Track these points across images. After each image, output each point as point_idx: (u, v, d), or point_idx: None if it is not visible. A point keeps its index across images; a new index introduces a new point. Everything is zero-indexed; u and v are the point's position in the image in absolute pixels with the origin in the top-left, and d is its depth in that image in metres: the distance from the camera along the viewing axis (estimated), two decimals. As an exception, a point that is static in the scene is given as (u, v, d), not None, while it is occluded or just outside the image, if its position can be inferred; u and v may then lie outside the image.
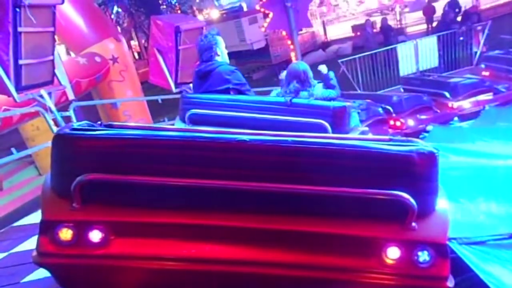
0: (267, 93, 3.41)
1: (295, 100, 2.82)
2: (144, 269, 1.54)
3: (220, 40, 3.13)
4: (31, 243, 1.49)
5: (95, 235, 1.47)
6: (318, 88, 2.92)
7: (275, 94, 3.12)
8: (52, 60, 4.43)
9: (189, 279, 1.59)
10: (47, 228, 1.48)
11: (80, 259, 1.49)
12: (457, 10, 12.22)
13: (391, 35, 11.82)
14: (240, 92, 3.03)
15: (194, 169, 1.47)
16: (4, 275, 2.90)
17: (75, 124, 1.64)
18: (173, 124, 3.50)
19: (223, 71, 3.01)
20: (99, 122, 1.73)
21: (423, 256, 1.42)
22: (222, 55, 3.12)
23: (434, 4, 14.39)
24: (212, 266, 1.50)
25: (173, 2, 21.82)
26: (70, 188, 1.43)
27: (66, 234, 1.46)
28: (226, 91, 2.99)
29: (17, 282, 2.77)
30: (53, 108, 4.66)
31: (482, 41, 10.11)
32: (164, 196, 1.50)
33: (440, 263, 1.43)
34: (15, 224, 3.91)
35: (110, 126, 1.74)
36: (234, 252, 1.48)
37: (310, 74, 2.94)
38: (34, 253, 1.50)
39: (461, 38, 10.21)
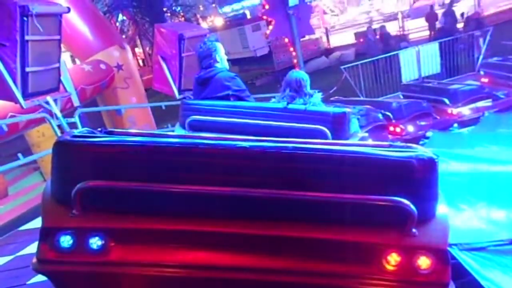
0: (268, 99, 3.43)
1: (294, 106, 2.81)
2: (143, 276, 1.53)
3: (219, 46, 3.13)
4: (36, 247, 1.51)
5: (95, 242, 1.47)
6: (317, 98, 2.91)
7: (273, 101, 3.12)
8: (58, 68, 4.51)
9: (189, 286, 1.58)
10: (47, 235, 1.47)
11: (80, 266, 1.48)
12: (460, 17, 12.33)
13: (390, 43, 11.91)
14: (240, 99, 3.02)
15: (194, 175, 1.46)
16: (10, 277, 2.96)
17: (76, 131, 1.63)
18: (173, 131, 3.52)
19: (223, 77, 3.02)
20: (99, 129, 1.73)
21: (424, 262, 1.41)
22: (221, 62, 3.13)
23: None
24: (212, 273, 1.49)
25: (177, 10, 22.01)
26: (70, 195, 1.42)
27: (66, 241, 1.46)
28: (226, 98, 2.99)
29: (22, 283, 2.83)
30: (59, 115, 4.73)
31: (484, 47, 10.13)
32: (164, 203, 1.49)
33: (440, 269, 1.42)
34: (21, 228, 3.97)
35: (111, 133, 1.73)
36: (234, 258, 1.47)
37: (306, 83, 2.90)
38: (34, 260, 1.49)
39: (461, 46, 10.27)
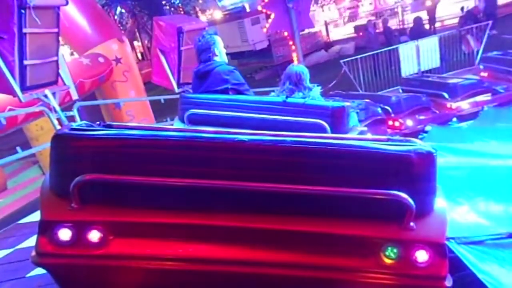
0: (267, 93, 3.42)
1: (293, 100, 2.81)
2: (142, 269, 1.54)
3: (218, 40, 3.12)
4: (35, 240, 1.52)
5: (94, 235, 1.48)
6: (316, 91, 2.91)
7: (273, 95, 3.12)
8: (57, 61, 4.49)
9: (188, 279, 1.59)
10: (46, 228, 1.48)
11: (79, 259, 1.49)
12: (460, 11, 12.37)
13: (391, 37, 11.93)
14: (239, 92, 3.02)
15: (193, 169, 1.47)
16: (9, 270, 2.98)
17: (74, 124, 1.63)
18: (172, 124, 3.52)
19: (222, 71, 3.01)
20: (98, 122, 1.73)
21: (422, 255, 1.43)
22: (220, 55, 3.11)
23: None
24: (210, 266, 1.51)
25: (176, 3, 21.87)
26: (69, 188, 1.43)
27: (64, 234, 1.46)
28: (225, 91, 2.98)
29: (22, 276, 2.85)
30: (57, 108, 4.72)
31: (484, 41, 10.12)
32: (163, 196, 1.50)
33: (438, 263, 1.43)
34: (20, 221, 3.98)
35: (109, 126, 1.73)
36: (233, 252, 1.49)
37: (305, 77, 2.91)
38: (33, 253, 1.50)
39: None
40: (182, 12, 20.84)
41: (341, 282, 1.52)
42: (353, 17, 24.74)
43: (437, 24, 15.77)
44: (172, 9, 21.51)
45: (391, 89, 9.35)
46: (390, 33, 12.28)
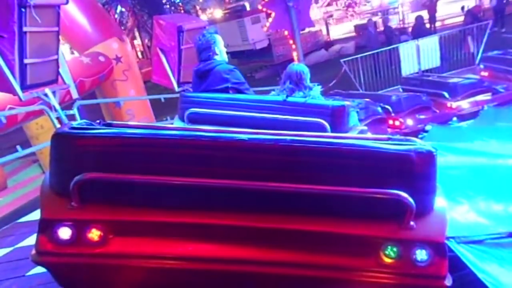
0: (268, 92, 3.42)
1: (293, 99, 2.81)
2: (142, 268, 1.55)
3: (218, 39, 3.11)
4: (35, 239, 1.52)
5: (94, 234, 1.48)
6: (316, 91, 2.91)
7: (273, 94, 3.12)
8: (57, 60, 4.48)
9: (188, 278, 1.60)
10: (46, 227, 1.48)
11: (79, 258, 1.50)
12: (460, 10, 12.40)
13: (392, 36, 11.95)
14: (239, 91, 3.01)
15: (193, 168, 1.47)
16: (9, 269, 2.98)
17: (74, 123, 1.63)
18: (172, 123, 3.51)
19: (222, 70, 3.00)
20: (98, 121, 1.73)
21: (421, 255, 1.44)
22: (220, 54, 3.10)
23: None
24: (211, 265, 1.51)
25: (176, 2, 21.86)
26: (69, 187, 1.44)
27: (64, 233, 1.47)
28: (225, 90, 2.97)
29: (22, 275, 2.84)
30: (58, 107, 4.71)
31: (484, 40, 10.11)
32: (163, 195, 1.50)
33: (438, 262, 1.44)
34: (20, 220, 3.98)
35: (109, 125, 1.73)
36: (233, 251, 1.49)
37: (306, 76, 2.90)
38: (33, 252, 1.51)
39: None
40: (182, 11, 20.84)
41: (341, 281, 1.52)
42: (340, 18, 24.99)
43: (438, 24, 15.77)
44: (173, 7, 21.50)
45: (391, 88, 9.37)
46: (390, 32, 12.28)
